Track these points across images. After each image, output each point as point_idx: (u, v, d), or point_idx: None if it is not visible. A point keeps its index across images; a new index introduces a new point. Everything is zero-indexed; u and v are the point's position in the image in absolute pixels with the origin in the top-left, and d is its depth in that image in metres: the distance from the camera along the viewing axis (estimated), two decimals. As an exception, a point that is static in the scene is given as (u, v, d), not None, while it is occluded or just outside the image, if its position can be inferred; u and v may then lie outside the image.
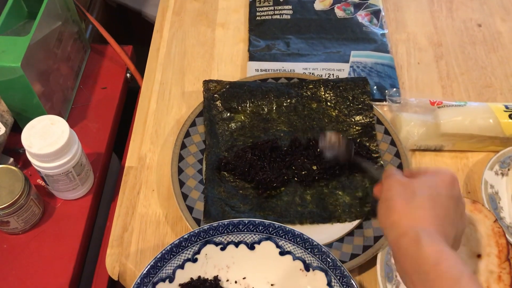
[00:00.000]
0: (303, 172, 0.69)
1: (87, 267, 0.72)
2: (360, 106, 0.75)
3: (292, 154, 0.70)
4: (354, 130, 0.73)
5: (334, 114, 0.75)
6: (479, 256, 0.61)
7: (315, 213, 0.66)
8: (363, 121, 0.74)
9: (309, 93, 0.76)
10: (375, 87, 0.79)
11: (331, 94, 0.76)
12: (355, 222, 0.65)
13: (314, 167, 0.69)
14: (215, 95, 0.75)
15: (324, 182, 0.69)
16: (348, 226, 0.65)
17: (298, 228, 0.61)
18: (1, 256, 0.67)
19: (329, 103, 0.75)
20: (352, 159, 0.65)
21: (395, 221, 0.47)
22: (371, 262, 0.62)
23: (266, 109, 0.75)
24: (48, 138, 0.62)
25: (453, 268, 0.41)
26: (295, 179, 0.69)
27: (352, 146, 0.66)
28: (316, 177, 0.68)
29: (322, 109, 0.75)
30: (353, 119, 0.74)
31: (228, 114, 0.74)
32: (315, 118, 0.75)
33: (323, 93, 0.76)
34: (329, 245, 0.63)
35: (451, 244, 0.46)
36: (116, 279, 0.64)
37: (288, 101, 0.75)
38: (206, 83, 0.76)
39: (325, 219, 0.66)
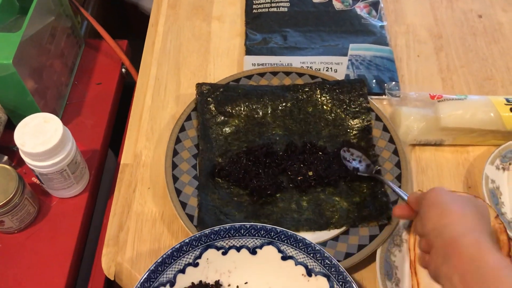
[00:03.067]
0: (299, 178, 0.67)
1: (83, 266, 0.71)
2: (357, 109, 0.73)
3: (287, 159, 0.69)
4: (351, 134, 0.72)
5: (330, 117, 0.73)
6: (479, 252, 0.60)
7: (311, 220, 0.65)
8: (360, 124, 0.72)
9: (304, 96, 0.74)
10: (374, 80, 0.78)
11: (327, 97, 0.74)
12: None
13: (310, 173, 0.67)
14: (208, 99, 0.73)
15: (321, 188, 0.67)
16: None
17: None
18: (-4, 255, 0.66)
19: (325, 107, 0.74)
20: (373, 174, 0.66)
21: (452, 222, 0.49)
22: (370, 259, 0.61)
23: (261, 113, 0.73)
24: (41, 136, 0.61)
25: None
26: (291, 185, 0.67)
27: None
28: (313, 183, 0.67)
29: (318, 113, 0.73)
30: (350, 123, 0.72)
31: (222, 118, 0.72)
32: (311, 122, 0.73)
33: (319, 96, 0.74)
34: (323, 243, 0.62)
35: None
36: (112, 278, 0.64)
37: (284, 104, 0.74)
38: (199, 86, 0.74)
39: (321, 226, 0.64)
